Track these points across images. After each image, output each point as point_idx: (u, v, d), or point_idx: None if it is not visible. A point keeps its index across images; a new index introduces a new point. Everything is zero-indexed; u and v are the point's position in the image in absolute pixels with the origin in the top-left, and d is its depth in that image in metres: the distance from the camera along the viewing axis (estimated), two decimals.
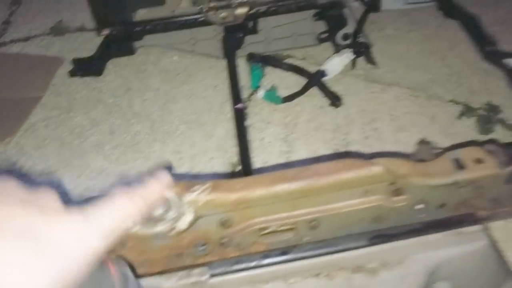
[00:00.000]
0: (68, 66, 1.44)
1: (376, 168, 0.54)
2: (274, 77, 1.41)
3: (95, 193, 1.07)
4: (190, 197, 0.53)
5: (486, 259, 0.63)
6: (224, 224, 0.56)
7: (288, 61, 1.46)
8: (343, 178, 0.54)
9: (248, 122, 1.25)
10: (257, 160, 1.14)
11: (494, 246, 0.63)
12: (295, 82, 1.38)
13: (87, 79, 1.41)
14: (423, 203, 0.60)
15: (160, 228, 0.54)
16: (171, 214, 0.54)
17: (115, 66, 1.45)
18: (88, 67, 1.39)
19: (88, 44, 1.57)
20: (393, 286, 0.59)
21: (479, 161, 0.58)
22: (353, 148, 1.18)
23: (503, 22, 1.64)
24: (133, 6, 1.29)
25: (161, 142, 1.19)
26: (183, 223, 0.54)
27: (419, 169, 0.57)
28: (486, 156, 0.58)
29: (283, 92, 1.33)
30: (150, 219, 0.53)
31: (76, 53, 1.52)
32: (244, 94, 1.33)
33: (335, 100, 1.28)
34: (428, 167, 0.58)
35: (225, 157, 1.15)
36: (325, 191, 0.55)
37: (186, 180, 0.53)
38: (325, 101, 1.31)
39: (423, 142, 0.58)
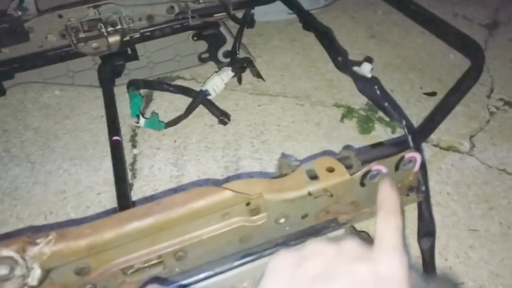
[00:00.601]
0: None
1: (226, 193, 0.54)
2: (162, 100, 1.40)
3: None
4: (32, 251, 0.50)
5: None
6: (81, 271, 0.54)
7: (177, 82, 1.45)
8: (195, 207, 0.54)
9: (137, 151, 1.23)
10: (147, 188, 1.11)
11: None
12: (184, 103, 1.37)
13: None
14: (284, 217, 0.61)
15: (9, 287, 0.51)
16: (18, 272, 0.50)
17: None
18: None
19: None
20: None
21: (331, 170, 0.60)
22: (244, 163, 1.19)
23: (380, 23, 1.76)
24: None
25: (43, 184, 1.13)
26: (32, 280, 0.51)
27: (274, 186, 0.58)
28: (337, 164, 0.61)
29: (173, 115, 1.32)
30: None
31: None
32: (133, 121, 1.31)
33: (223, 117, 1.29)
34: (283, 182, 0.59)
35: (113, 191, 1.10)
36: (180, 222, 0.55)
37: (28, 235, 0.50)
38: (214, 120, 1.31)
39: (283, 157, 0.60)
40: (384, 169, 0.61)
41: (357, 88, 0.70)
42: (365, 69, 0.70)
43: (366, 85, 0.69)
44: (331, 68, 1.52)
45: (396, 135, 1.24)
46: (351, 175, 0.60)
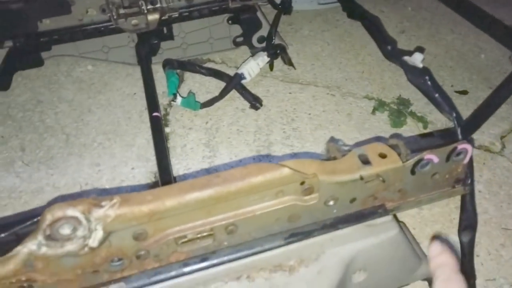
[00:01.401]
0: None
1: (284, 170, 0.55)
2: (194, 82, 1.41)
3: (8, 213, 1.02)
4: (98, 213, 0.51)
5: (397, 247, 0.67)
6: (139, 237, 0.55)
7: (208, 65, 1.46)
8: (253, 182, 0.55)
9: (169, 129, 1.24)
10: (180, 167, 1.12)
11: (403, 234, 0.67)
12: (216, 86, 1.38)
13: None
14: (334, 199, 0.62)
15: (69, 247, 0.52)
16: (80, 232, 0.52)
17: (23, 79, 1.38)
18: None
19: None
20: (312, 281, 0.61)
21: (383, 156, 0.61)
22: (275, 148, 1.19)
23: (410, 18, 1.75)
24: (37, 16, 1.23)
25: (78, 156, 1.15)
26: (93, 241, 0.52)
27: (327, 168, 0.59)
28: (389, 151, 0.62)
29: (204, 97, 1.33)
30: (58, 239, 0.51)
31: None
32: (165, 101, 1.32)
33: (255, 102, 1.30)
34: (335, 165, 0.60)
35: (146, 167, 1.12)
36: (237, 196, 0.56)
37: (93, 196, 0.51)
38: (245, 104, 1.32)
39: (332, 141, 0.60)
40: (435, 159, 0.61)
41: (407, 78, 0.70)
42: (417, 59, 0.70)
43: (416, 75, 0.69)
44: (361, 60, 1.53)
45: (428, 130, 1.24)
46: (403, 162, 0.61)
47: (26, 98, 1.32)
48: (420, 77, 0.69)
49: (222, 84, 1.37)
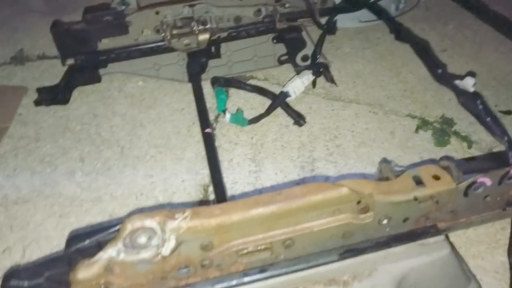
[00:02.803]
0: (32, 95, 1.44)
1: (343, 190, 0.58)
2: (238, 98, 1.45)
3: (71, 220, 1.08)
4: (172, 225, 0.56)
5: (448, 267, 0.69)
6: (205, 248, 0.60)
7: (251, 82, 1.50)
8: (313, 200, 0.58)
9: (216, 144, 1.29)
10: (227, 180, 1.17)
11: (454, 254, 0.69)
12: (259, 102, 1.43)
13: (53, 107, 1.41)
14: (387, 218, 0.65)
15: (144, 255, 0.57)
16: (155, 241, 0.57)
17: (80, 94, 1.46)
18: (53, 96, 1.39)
19: (50, 72, 1.57)
20: None
21: (436, 177, 0.64)
22: (319, 164, 1.23)
23: (452, 37, 1.76)
24: (97, 36, 1.31)
25: (132, 167, 1.21)
26: (166, 249, 0.57)
27: (382, 188, 0.62)
28: (443, 173, 0.64)
29: (248, 113, 1.37)
30: (135, 247, 0.56)
31: (38, 81, 1.52)
32: (211, 116, 1.37)
33: (299, 119, 1.33)
34: (390, 186, 0.63)
35: (196, 179, 1.17)
36: (297, 212, 0.59)
37: (168, 209, 0.56)
38: (289, 120, 1.36)
39: (384, 161, 0.63)
40: (488, 182, 0.63)
41: (458, 102, 0.73)
42: (468, 84, 0.73)
43: (468, 99, 0.71)
44: (403, 78, 1.55)
45: (472, 150, 1.25)
46: (456, 185, 0.63)
47: (83, 112, 1.40)
48: (472, 101, 0.71)
49: (265, 101, 1.41)
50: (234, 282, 0.64)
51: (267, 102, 1.40)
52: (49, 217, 1.10)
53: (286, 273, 0.65)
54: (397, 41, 1.39)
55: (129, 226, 0.55)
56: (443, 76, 0.80)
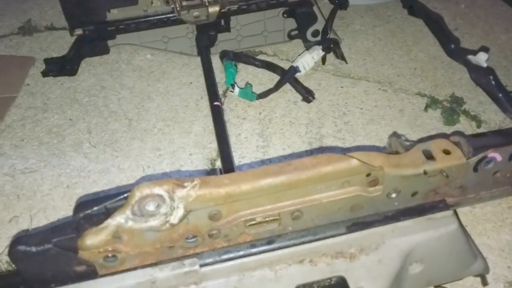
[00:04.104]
0: (40, 66, 1.43)
1: (353, 161, 0.58)
2: (247, 73, 1.44)
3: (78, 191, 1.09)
4: (181, 193, 0.55)
5: (455, 242, 0.69)
6: (213, 217, 0.60)
7: (260, 57, 1.49)
8: (323, 172, 0.58)
9: (224, 119, 1.28)
10: (235, 154, 1.16)
11: (462, 230, 0.69)
12: (267, 78, 1.42)
13: (61, 78, 1.40)
14: (396, 192, 0.64)
15: (153, 222, 0.57)
16: (163, 209, 0.57)
17: (87, 65, 1.45)
18: (61, 67, 1.38)
19: (58, 43, 1.56)
20: (372, 269, 0.64)
21: (447, 152, 0.63)
22: (327, 141, 1.22)
23: (463, 16, 1.73)
24: (106, 6, 1.30)
25: (140, 140, 1.21)
26: (174, 218, 0.57)
27: (392, 161, 0.62)
28: (453, 147, 0.64)
29: (256, 88, 1.37)
30: (143, 215, 0.56)
31: (46, 52, 1.51)
32: (219, 90, 1.36)
33: (308, 95, 1.32)
34: (400, 159, 0.63)
35: (203, 153, 1.17)
36: (306, 184, 0.59)
37: (177, 178, 0.56)
38: (297, 97, 1.35)
39: (395, 135, 0.62)
40: (499, 157, 0.63)
41: (470, 77, 0.71)
42: (481, 59, 0.71)
43: (480, 75, 0.70)
44: (413, 56, 1.53)
45: (481, 130, 1.24)
46: (466, 159, 0.63)
47: (90, 83, 1.39)
48: (484, 77, 0.70)
49: (274, 76, 1.40)
50: (241, 253, 0.64)
51: (275, 78, 1.39)
52: (56, 187, 1.10)
53: (294, 244, 0.65)
54: (408, 19, 1.37)
55: (138, 194, 0.55)
56: (456, 51, 0.79)
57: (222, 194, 0.57)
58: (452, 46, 0.80)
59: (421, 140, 0.66)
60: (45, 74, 1.39)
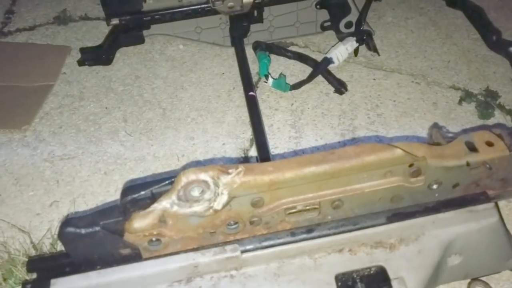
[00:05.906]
0: (75, 55, 1.46)
1: (397, 151, 0.58)
2: (278, 65, 1.44)
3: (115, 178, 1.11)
4: (225, 179, 0.57)
5: (495, 235, 0.68)
6: (256, 204, 0.60)
7: (291, 48, 1.49)
8: (367, 161, 0.58)
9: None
10: None
11: (502, 222, 0.68)
12: (299, 69, 1.42)
13: (96, 67, 1.43)
14: (438, 183, 0.64)
15: (197, 208, 0.58)
16: (208, 195, 0.58)
17: (122, 55, 1.47)
18: (97, 57, 1.41)
19: (92, 33, 1.59)
20: (412, 260, 0.64)
21: (490, 144, 0.63)
22: (360, 133, 1.22)
23: (500, 7, 1.69)
24: None
25: (174, 129, 1.23)
26: (218, 204, 0.58)
27: (435, 152, 0.62)
28: (496, 140, 0.63)
29: (288, 80, 1.37)
30: (188, 200, 0.57)
31: (81, 42, 1.54)
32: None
33: (340, 87, 1.32)
34: (443, 150, 0.63)
35: (236, 143, 1.18)
36: (348, 173, 0.59)
37: (221, 164, 0.57)
38: (330, 88, 1.35)
39: (435, 126, 0.62)
40: None
41: None
42: None
43: None
44: (447, 49, 1.51)
45: None
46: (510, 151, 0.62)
47: (125, 73, 1.41)
48: None
49: (305, 68, 1.40)
50: (281, 241, 0.65)
51: (307, 69, 1.39)
52: (94, 173, 1.13)
53: (333, 234, 0.66)
54: (440, 11, 1.34)
55: (184, 179, 0.56)
56: (497, 43, 0.77)
57: (266, 181, 0.58)
58: (494, 38, 0.78)
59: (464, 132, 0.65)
60: (81, 63, 1.42)
